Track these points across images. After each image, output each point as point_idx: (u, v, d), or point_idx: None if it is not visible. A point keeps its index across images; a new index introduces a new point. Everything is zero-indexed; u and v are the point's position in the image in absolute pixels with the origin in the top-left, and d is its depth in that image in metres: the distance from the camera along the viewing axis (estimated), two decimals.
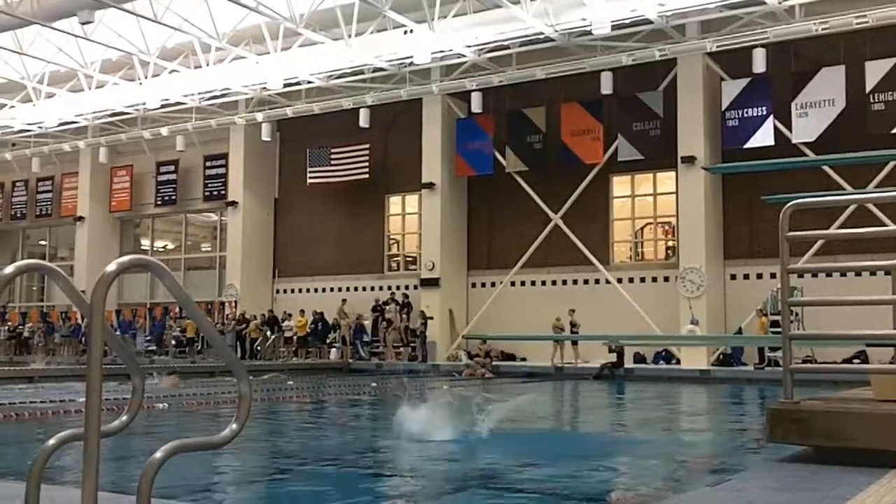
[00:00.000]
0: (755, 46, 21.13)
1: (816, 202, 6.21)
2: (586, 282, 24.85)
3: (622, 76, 23.17)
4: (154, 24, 22.47)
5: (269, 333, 27.93)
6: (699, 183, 22.07)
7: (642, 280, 24.12)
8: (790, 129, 21.28)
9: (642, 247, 25.34)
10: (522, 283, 25.79)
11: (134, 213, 34.22)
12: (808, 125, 21.02)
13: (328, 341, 27.21)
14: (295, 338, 27.21)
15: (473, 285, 26.79)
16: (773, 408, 4.95)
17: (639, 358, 23.18)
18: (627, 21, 21.32)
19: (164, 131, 30.41)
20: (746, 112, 21.75)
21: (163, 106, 28.83)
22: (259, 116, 28.82)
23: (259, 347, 27.68)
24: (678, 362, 22.44)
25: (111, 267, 2.79)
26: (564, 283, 25.19)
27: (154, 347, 30.27)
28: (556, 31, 21.69)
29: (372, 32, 23.35)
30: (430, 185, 26.13)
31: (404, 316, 26.25)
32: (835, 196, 13.36)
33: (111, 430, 3.19)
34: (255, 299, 29.42)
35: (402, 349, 26.06)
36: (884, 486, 4.04)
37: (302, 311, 27.53)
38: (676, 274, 22.54)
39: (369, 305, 27.18)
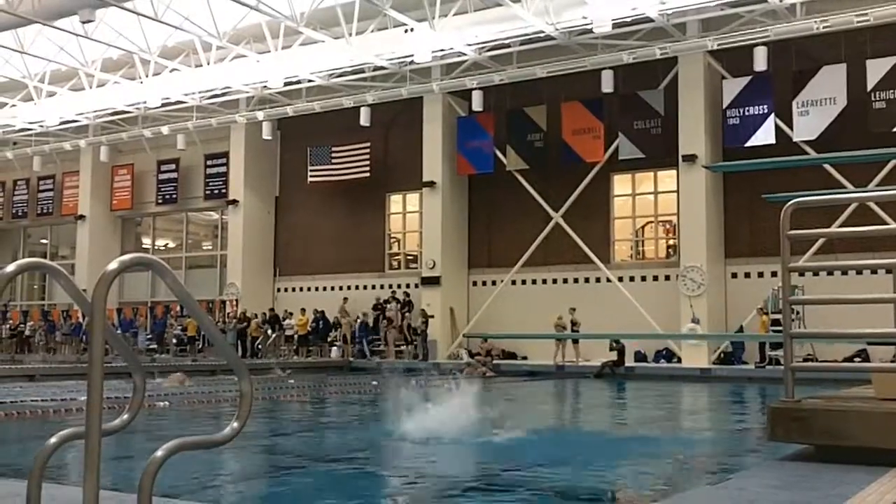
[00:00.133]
0: (756, 45, 21.12)
1: (817, 201, 6.20)
2: (587, 280, 24.85)
3: (623, 74, 23.16)
4: (155, 22, 22.47)
5: (269, 332, 27.96)
6: (700, 181, 22.06)
7: (643, 279, 24.11)
8: (791, 128, 21.27)
9: (643, 245, 25.34)
10: (523, 282, 25.80)
11: (135, 211, 34.24)
12: (809, 123, 21.01)
13: (329, 340, 27.22)
14: (296, 336, 27.22)
15: (474, 284, 26.80)
16: (775, 406, 4.96)
17: (640, 356, 23.19)
18: (628, 19, 21.32)
19: (165, 130, 30.42)
20: (747, 110, 21.74)
21: (164, 104, 28.83)
22: (260, 115, 28.83)
23: (260, 346, 27.71)
24: (679, 361, 22.44)
25: (112, 265, 2.79)
26: (565, 281, 25.20)
27: (155, 346, 30.29)
28: (557, 29, 21.68)
29: (372, 31, 23.36)
30: (431, 184, 26.13)
31: (406, 314, 26.25)
32: (836, 194, 13.37)
33: (112, 428, 3.19)
34: (255, 298, 29.44)
35: (403, 348, 26.08)
36: (885, 484, 4.04)
37: (303, 310, 27.55)
38: (677, 272, 22.55)
39: (370, 304, 27.19)
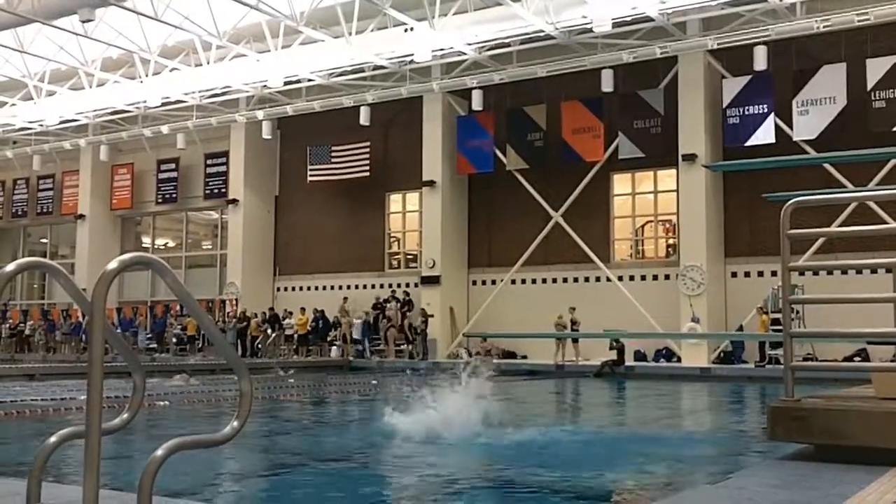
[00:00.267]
0: (756, 44, 21.12)
1: (817, 200, 6.21)
2: (587, 280, 24.86)
3: (623, 74, 23.16)
4: (155, 22, 22.47)
5: (269, 331, 27.97)
6: (700, 181, 22.06)
7: (643, 278, 24.11)
8: (791, 127, 21.27)
9: (643, 245, 25.34)
10: (523, 281, 25.80)
11: (135, 210, 34.24)
12: (809, 123, 21.01)
13: (329, 339, 27.23)
14: (295, 336, 27.22)
15: (474, 283, 26.80)
16: (774, 406, 4.96)
17: (639, 356, 23.19)
18: (628, 18, 21.32)
19: (165, 129, 30.42)
20: (747, 110, 21.74)
21: (163, 104, 28.83)
22: (260, 114, 28.83)
23: (260, 345, 27.72)
24: (679, 360, 22.45)
25: (112, 265, 2.79)
26: (565, 280, 25.20)
27: (155, 345, 30.29)
28: (557, 28, 21.68)
29: (372, 30, 23.36)
30: (431, 183, 26.13)
31: (408, 314, 26.25)
32: (836, 194, 13.37)
33: (112, 427, 3.19)
34: (255, 297, 29.44)
35: (403, 347, 26.09)
36: (884, 483, 4.04)
37: (303, 309, 27.55)
38: (677, 272, 22.55)
39: (370, 303, 27.20)
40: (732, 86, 22.07)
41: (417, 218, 27.73)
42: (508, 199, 25.75)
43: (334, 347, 26.89)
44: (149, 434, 9.14)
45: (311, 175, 28.99)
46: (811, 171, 20.21)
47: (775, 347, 19.28)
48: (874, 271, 17.43)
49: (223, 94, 28.36)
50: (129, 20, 23.35)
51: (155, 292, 32.35)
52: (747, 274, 22.61)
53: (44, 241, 37.87)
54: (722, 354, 21.95)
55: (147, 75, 26.87)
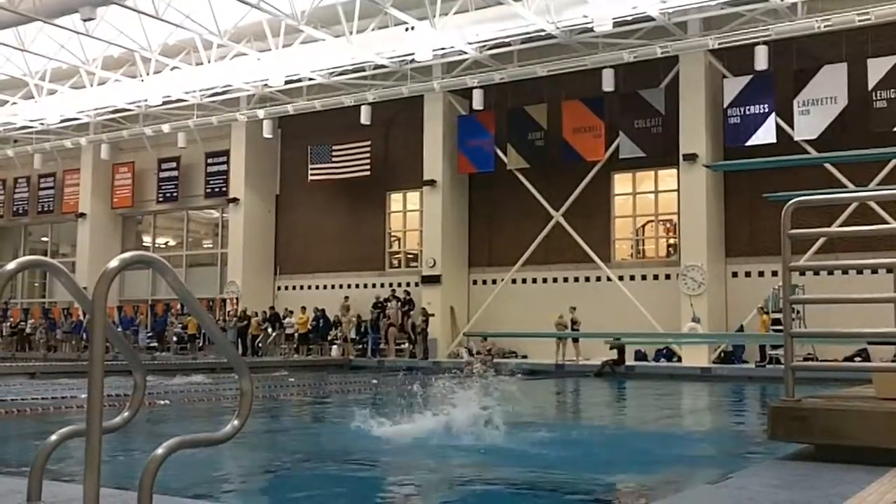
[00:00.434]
0: (757, 44, 21.11)
1: (818, 200, 6.21)
2: (587, 279, 24.85)
3: (624, 73, 23.15)
4: (156, 20, 22.47)
5: (270, 330, 27.98)
6: (701, 180, 22.06)
7: (643, 278, 24.11)
8: (792, 127, 21.26)
9: (643, 244, 25.34)
10: (523, 281, 25.80)
11: (136, 209, 34.25)
12: (809, 123, 21.00)
13: (329, 338, 27.24)
14: (296, 335, 27.24)
15: (474, 282, 26.80)
16: (775, 405, 4.96)
17: (640, 355, 23.18)
18: (629, 18, 21.30)
19: (166, 128, 30.42)
20: (748, 109, 21.73)
21: (164, 102, 28.82)
22: (260, 113, 28.83)
23: (260, 344, 27.74)
24: (679, 360, 22.44)
25: (113, 263, 2.80)
26: (565, 280, 25.20)
27: (156, 344, 30.30)
28: (558, 28, 21.67)
29: (373, 29, 23.35)
30: (432, 183, 26.12)
31: (410, 313, 26.26)
32: (837, 194, 13.37)
33: (113, 426, 3.20)
34: (256, 296, 29.44)
35: (403, 346, 26.10)
36: (885, 484, 4.04)
37: (303, 308, 27.56)
38: (678, 272, 22.54)
39: (370, 303, 27.22)
40: (733, 85, 22.06)
41: (418, 217, 27.73)
42: (509, 199, 25.75)
43: (335, 346, 26.91)
44: (149, 433, 9.14)
45: (311, 174, 28.99)
46: (812, 171, 20.20)
47: (776, 347, 19.27)
48: (875, 271, 17.42)
49: (224, 92, 28.36)
50: (131, 19, 23.34)
51: (156, 291, 32.37)
52: (748, 274, 22.60)
53: (45, 239, 37.90)
54: (722, 354, 21.94)
55: (148, 74, 26.86)
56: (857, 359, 18.39)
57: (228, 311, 29.44)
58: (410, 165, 26.88)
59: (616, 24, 21.10)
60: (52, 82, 28.60)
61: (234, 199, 30.11)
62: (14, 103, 30.69)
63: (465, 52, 23.78)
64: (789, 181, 17.58)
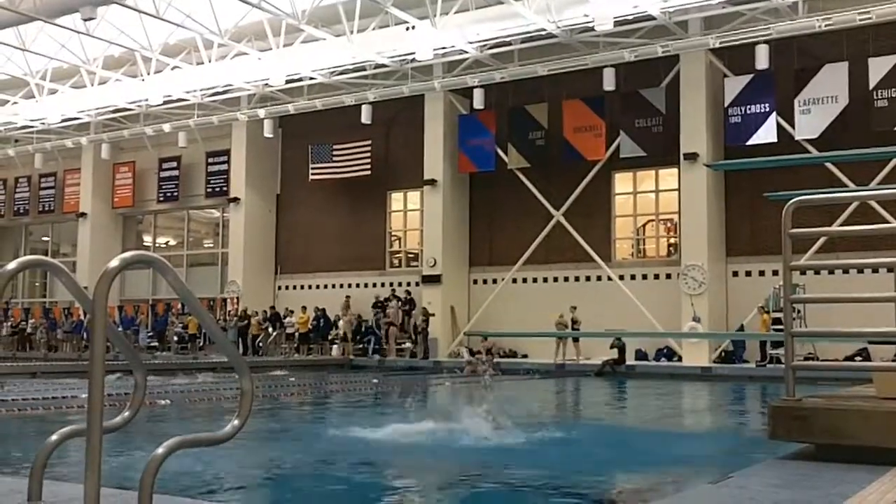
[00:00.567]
0: (758, 43, 21.10)
1: (819, 199, 6.21)
2: (588, 279, 24.84)
3: (624, 72, 23.15)
4: (156, 20, 22.47)
5: (270, 330, 27.98)
6: (701, 180, 22.05)
7: (644, 277, 24.10)
8: (793, 126, 21.25)
9: (644, 244, 25.34)
10: (524, 280, 25.79)
11: (136, 209, 34.26)
12: (810, 122, 20.99)
13: (330, 338, 27.24)
14: (296, 334, 27.24)
15: (475, 282, 26.80)
16: (775, 405, 4.96)
17: (640, 355, 23.18)
18: (630, 17, 21.28)
19: (167, 127, 30.42)
20: (749, 109, 21.72)
21: (165, 102, 28.83)
22: (261, 113, 28.84)
23: (261, 344, 27.74)
24: (680, 359, 22.44)
25: (113, 263, 2.80)
26: (566, 279, 25.20)
27: (156, 343, 30.30)
28: (559, 27, 21.67)
29: (374, 29, 23.34)
30: (432, 182, 26.12)
31: (412, 312, 26.25)
32: (837, 193, 13.36)
33: (113, 425, 3.20)
34: (256, 296, 29.46)
35: (404, 346, 26.10)
36: (885, 483, 4.04)
37: (304, 308, 27.56)
38: (678, 271, 22.54)
39: (370, 302, 27.22)
40: (734, 85, 22.05)
41: (419, 217, 27.73)
42: (510, 198, 25.75)
43: (335, 346, 26.91)
44: (150, 432, 9.14)
45: (312, 173, 29.00)
46: (813, 171, 20.20)
47: (776, 347, 19.27)
48: (875, 271, 17.39)
49: (225, 92, 28.36)
50: (131, 18, 23.34)
51: (156, 290, 32.38)
52: (748, 273, 22.59)
53: (45, 239, 37.91)
54: (723, 354, 21.95)
55: (149, 73, 26.86)
56: (858, 358, 18.38)
57: (229, 311, 29.45)
58: (411, 165, 26.88)
59: (617, 24, 21.08)
60: (53, 82, 28.61)
61: (235, 199, 30.12)
62: (15, 103, 30.70)
63: (466, 52, 23.77)
64: (790, 180, 17.60)
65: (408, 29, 22.78)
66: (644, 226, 25.28)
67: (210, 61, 25.64)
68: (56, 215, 35.71)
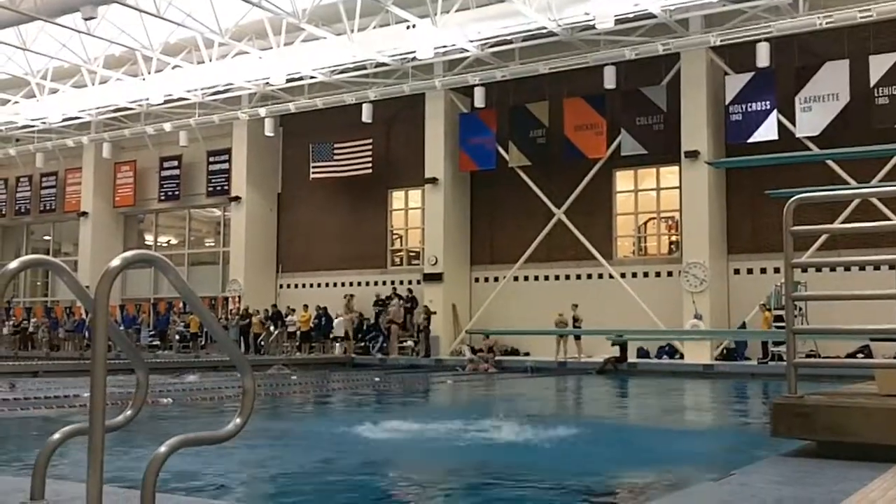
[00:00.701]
0: (759, 40, 21.08)
1: (821, 196, 6.20)
2: (589, 277, 24.84)
3: (625, 70, 23.13)
4: (157, 19, 22.48)
5: (272, 328, 27.99)
6: (702, 177, 22.04)
7: (645, 275, 24.10)
8: (794, 124, 21.23)
9: (645, 241, 25.34)
10: (525, 278, 25.79)
11: (137, 208, 34.28)
12: (811, 119, 20.98)
13: (331, 336, 27.25)
14: (298, 332, 27.26)
15: (476, 280, 26.80)
16: (777, 402, 4.95)
17: (642, 353, 23.17)
18: (631, 15, 21.27)
19: (168, 127, 30.44)
20: (750, 106, 21.71)
21: (166, 101, 28.84)
22: (262, 111, 28.84)
23: (262, 342, 27.75)
24: (681, 357, 22.45)
25: (115, 262, 2.80)
26: (567, 277, 25.19)
27: (158, 342, 30.33)
28: (559, 25, 21.66)
29: (375, 27, 23.34)
30: (433, 181, 26.12)
31: (414, 310, 26.25)
32: (839, 190, 13.36)
33: (116, 424, 3.20)
34: (258, 294, 29.48)
35: (405, 344, 26.11)
36: (887, 480, 4.03)
37: (305, 306, 27.57)
38: (680, 269, 22.54)
39: (371, 300, 27.23)
40: (735, 82, 22.04)
41: (420, 215, 27.73)
42: (511, 197, 25.74)
43: (337, 344, 26.92)
44: (152, 431, 9.15)
45: (313, 172, 29.00)
46: (814, 168, 20.20)
47: (778, 344, 19.27)
48: (877, 268, 17.43)
49: (225, 91, 28.36)
50: (132, 17, 23.35)
51: (158, 289, 32.40)
52: (750, 271, 22.59)
53: (47, 238, 37.94)
54: (725, 351, 21.95)
55: (149, 73, 26.87)
56: (860, 355, 18.38)
57: (230, 310, 29.47)
58: (412, 163, 26.88)
59: (617, 22, 21.07)
60: (54, 81, 28.62)
61: (236, 198, 30.13)
62: (16, 102, 30.72)
63: (467, 50, 23.77)
64: (791, 178, 17.60)
65: (408, 28, 22.78)
66: (645, 224, 25.28)
67: (211, 60, 25.65)
68: (57, 214, 35.74)
